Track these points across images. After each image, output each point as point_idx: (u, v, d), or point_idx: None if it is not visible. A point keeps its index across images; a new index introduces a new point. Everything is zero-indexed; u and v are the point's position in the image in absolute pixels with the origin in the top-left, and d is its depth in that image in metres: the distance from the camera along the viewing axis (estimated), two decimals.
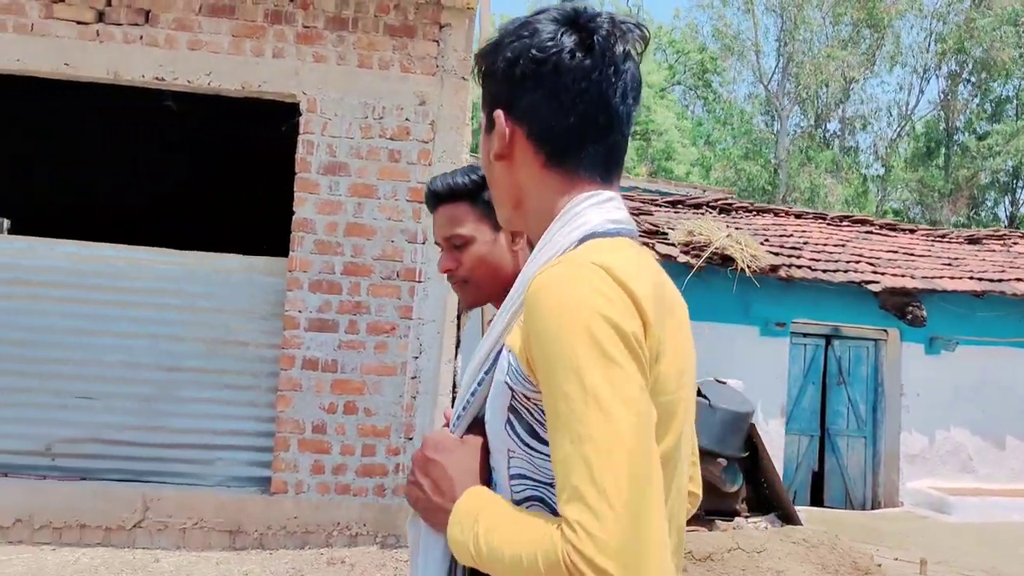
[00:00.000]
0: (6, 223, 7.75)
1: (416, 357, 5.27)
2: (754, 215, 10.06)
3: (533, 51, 1.06)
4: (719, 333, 8.10)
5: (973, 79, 28.13)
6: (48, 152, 8.66)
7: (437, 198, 1.70)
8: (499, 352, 1.06)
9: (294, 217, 5.26)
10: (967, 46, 26.97)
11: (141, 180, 9.08)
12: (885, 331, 8.62)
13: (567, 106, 1.06)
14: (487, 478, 1.08)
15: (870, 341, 8.71)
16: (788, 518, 5.68)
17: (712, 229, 7.89)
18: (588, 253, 0.99)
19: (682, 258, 7.71)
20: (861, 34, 28.45)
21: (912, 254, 9.21)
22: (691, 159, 28.27)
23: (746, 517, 5.65)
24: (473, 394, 1.10)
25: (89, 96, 5.92)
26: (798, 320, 8.36)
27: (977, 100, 28.43)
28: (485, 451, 1.09)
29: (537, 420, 0.98)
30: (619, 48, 1.07)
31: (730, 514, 5.64)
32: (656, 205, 9.76)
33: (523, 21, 1.10)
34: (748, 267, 7.65)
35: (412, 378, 5.26)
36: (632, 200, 9.52)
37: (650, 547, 0.84)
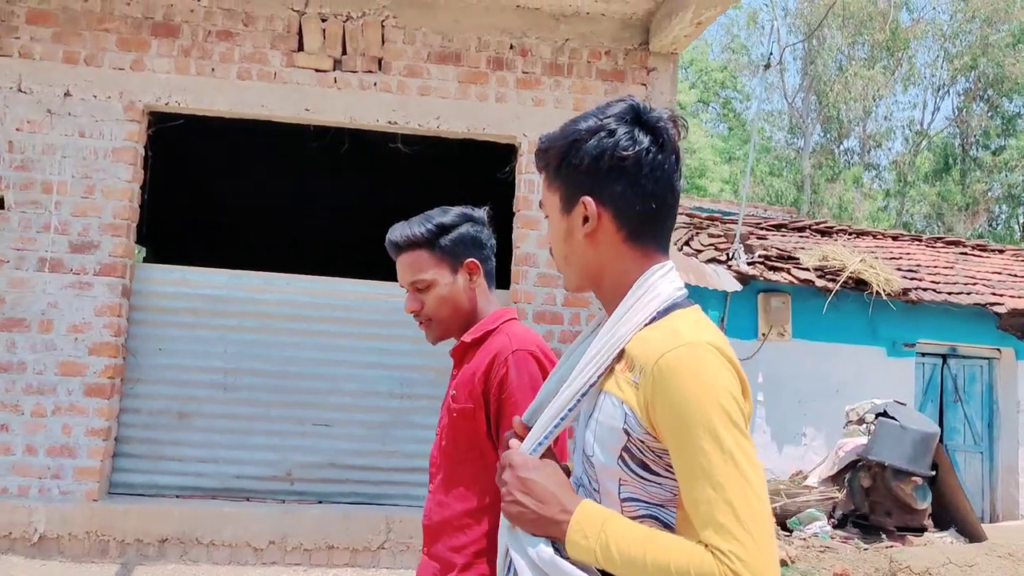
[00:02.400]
0: (141, 251, 8.03)
1: None
2: (854, 237, 10.40)
3: (619, 150, 1.30)
4: (847, 354, 8.42)
5: (986, 96, 28.70)
6: (278, 191, 9.00)
7: (397, 248, 1.91)
8: (584, 395, 1.31)
9: (517, 252, 5.56)
10: (980, 63, 27.54)
11: (364, 216, 9.30)
12: (999, 350, 8.95)
13: (648, 192, 1.31)
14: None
15: (984, 360, 9.04)
16: (971, 533, 5.97)
17: (844, 254, 8.21)
18: (691, 331, 1.24)
19: (819, 282, 8.03)
20: (877, 55, 29.01)
21: (1016, 275, 9.56)
22: (723, 176, 28.69)
23: (932, 533, 5.94)
24: (556, 426, 1.33)
25: (306, 139, 6.22)
26: (919, 341, 8.68)
27: (990, 115, 28.99)
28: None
29: (650, 459, 1.23)
30: (677, 141, 1.34)
31: (920, 530, 5.93)
32: (761, 229, 10.08)
33: (597, 123, 1.33)
34: (882, 290, 7.97)
35: None
36: (730, 222, 9.82)
37: (776, 568, 1.14)
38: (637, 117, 1.33)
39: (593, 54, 5.69)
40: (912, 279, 8.64)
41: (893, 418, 5.98)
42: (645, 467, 1.24)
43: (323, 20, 5.46)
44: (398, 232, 1.90)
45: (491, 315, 1.92)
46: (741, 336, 8.23)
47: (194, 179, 8.20)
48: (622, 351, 1.29)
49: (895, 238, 10.68)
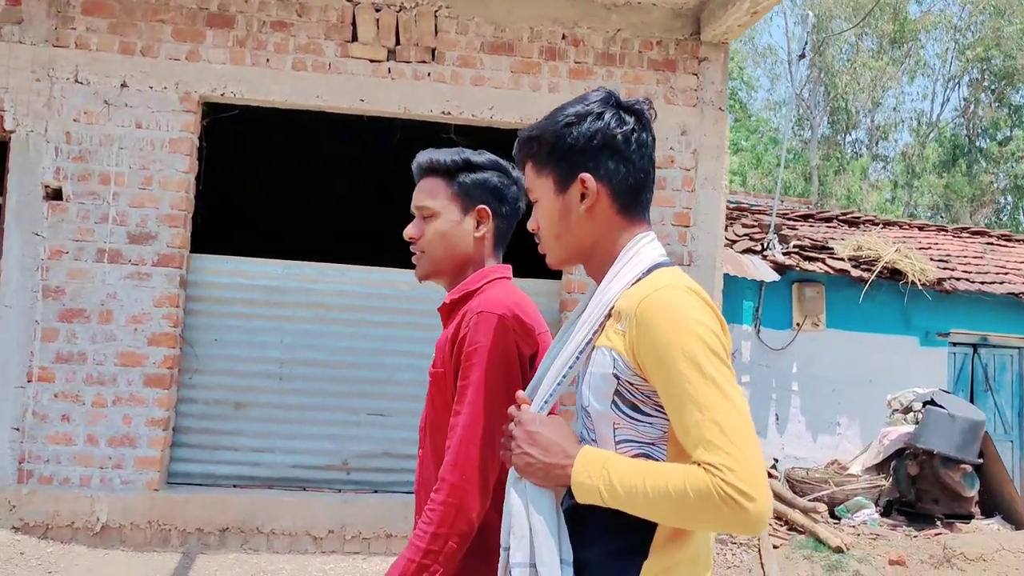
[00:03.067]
0: None
1: None
2: (881, 227, 10.42)
3: (609, 129, 1.46)
4: (880, 344, 8.45)
5: (994, 87, 28.69)
6: (326, 183, 9.01)
7: (420, 170, 1.87)
8: (582, 352, 1.42)
9: None
10: (992, 54, 27.50)
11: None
12: None
13: (637, 167, 1.48)
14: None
15: (1015, 349, 9.07)
16: (1018, 520, 6.01)
17: (879, 244, 8.23)
18: (670, 278, 1.38)
19: (855, 272, 8.05)
20: (885, 47, 28.97)
21: None
22: (732, 168, 28.69)
23: (979, 520, 5.99)
24: (559, 384, 1.45)
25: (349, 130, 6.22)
26: (951, 331, 8.71)
27: (997, 106, 28.98)
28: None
29: (639, 400, 1.35)
30: (652, 122, 1.52)
31: (967, 517, 5.97)
32: (789, 219, 10.09)
33: (584, 108, 1.48)
34: (917, 280, 8.00)
35: None
36: (759, 212, 9.82)
37: (765, 476, 1.23)
38: (617, 102, 1.50)
39: (645, 44, 5.69)
40: (944, 269, 8.66)
41: (941, 406, 6.01)
42: (635, 408, 1.35)
43: (376, 10, 5.46)
44: (425, 156, 1.88)
45: (477, 274, 1.83)
46: (775, 326, 8.26)
47: (246, 170, 8.20)
48: (611, 309, 1.41)
49: (921, 228, 10.70)
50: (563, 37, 5.63)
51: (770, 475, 6.79)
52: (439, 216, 1.82)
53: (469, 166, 1.85)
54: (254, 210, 8.77)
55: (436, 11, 5.52)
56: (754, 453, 1.22)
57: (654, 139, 1.52)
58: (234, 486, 5.37)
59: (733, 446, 1.21)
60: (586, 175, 1.47)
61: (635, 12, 5.68)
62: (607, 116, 1.46)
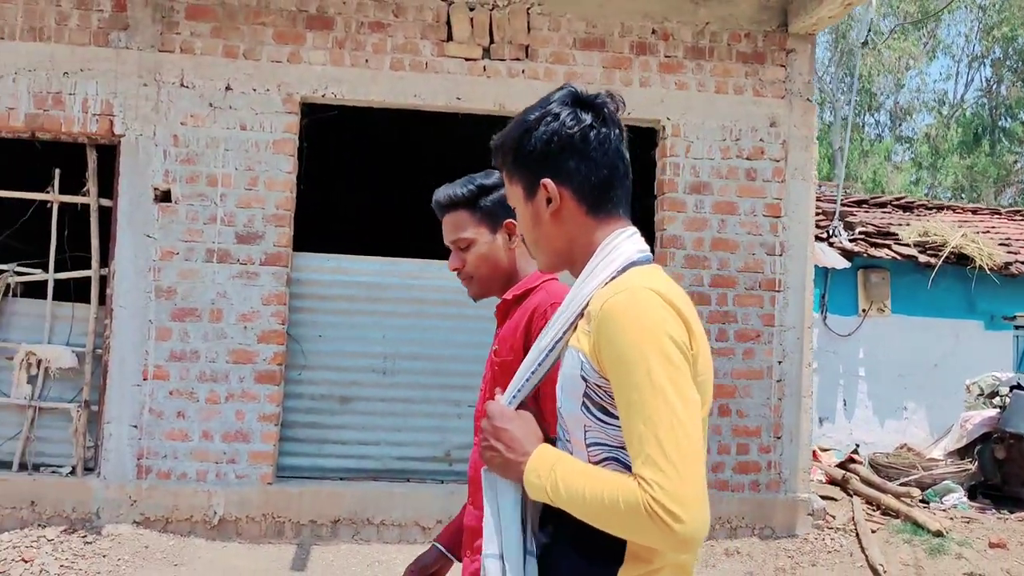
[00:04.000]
0: None
1: (780, 362, 5.67)
2: (935, 212, 10.44)
3: (564, 129, 1.41)
4: (946, 328, 8.50)
5: (1018, 66, 28.44)
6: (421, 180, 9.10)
7: (441, 207, 1.98)
8: (551, 350, 1.42)
9: (663, 234, 5.65)
10: (1017, 33, 27.25)
11: None
12: None
13: (598, 164, 1.42)
14: (545, 441, 1.41)
15: None
16: None
17: (944, 229, 8.27)
18: (638, 279, 1.33)
19: (922, 258, 8.10)
20: (906, 28, 28.74)
21: None
22: None
23: None
24: (527, 380, 1.45)
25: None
26: (1017, 314, 8.75)
27: (1021, 86, 28.72)
28: (537, 422, 1.44)
29: (608, 403, 1.31)
30: (618, 114, 1.45)
31: None
32: (843, 205, 10.12)
33: (542, 110, 1.44)
34: (985, 265, 8.04)
35: (778, 381, 5.66)
36: (820, 200, 9.85)
37: (702, 496, 1.21)
38: (577, 99, 1.44)
39: (733, 37, 5.75)
40: (1008, 252, 8.69)
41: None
42: (604, 411, 1.32)
43: (471, 9, 5.54)
44: (442, 193, 1.98)
45: (533, 274, 1.94)
46: (842, 312, 8.32)
47: (343, 168, 8.32)
48: (584, 309, 1.38)
49: (975, 212, 10.71)
50: (653, 32, 5.69)
51: (854, 460, 6.88)
52: (475, 243, 1.94)
53: (485, 190, 1.96)
54: (352, 208, 8.87)
55: (528, 8, 5.58)
56: (691, 471, 1.20)
57: (621, 131, 1.45)
58: (340, 479, 5.50)
59: (669, 463, 1.19)
60: (547, 180, 1.43)
61: (723, 5, 5.73)
62: (563, 116, 1.42)
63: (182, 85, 5.30)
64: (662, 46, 5.69)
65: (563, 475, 1.30)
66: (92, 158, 5.43)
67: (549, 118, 1.43)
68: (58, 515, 5.09)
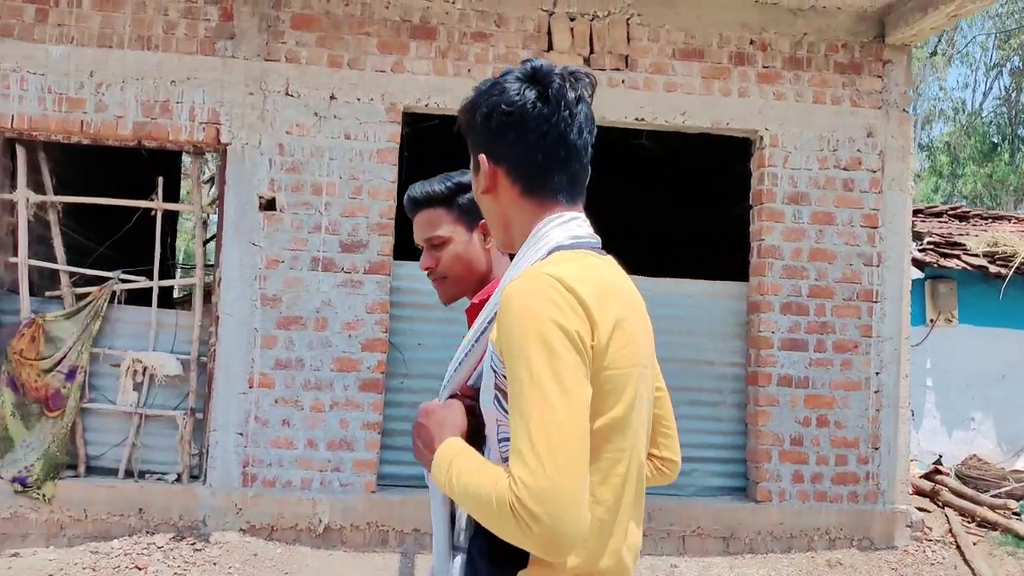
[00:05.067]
0: None
1: (878, 373, 5.65)
2: (991, 222, 10.42)
3: (503, 105, 1.35)
4: (1013, 338, 8.47)
5: None
6: None
7: (416, 203, 1.91)
8: (477, 341, 1.38)
9: (761, 244, 5.65)
10: None
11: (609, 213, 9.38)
12: None
13: (534, 146, 1.35)
14: (470, 435, 1.36)
15: None
16: None
17: (1013, 239, 8.26)
18: (546, 265, 1.27)
19: (992, 268, 8.08)
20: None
21: None
22: None
23: None
24: (455, 371, 1.42)
25: None
26: None
27: None
28: (470, 413, 1.38)
29: None
30: (571, 94, 1.35)
31: None
32: None
33: (494, 82, 1.39)
34: None
35: (875, 392, 5.64)
36: None
37: (568, 496, 1.12)
38: (531, 75, 1.36)
39: (830, 47, 5.75)
40: None
41: None
42: None
43: (571, 19, 5.56)
44: (418, 189, 1.91)
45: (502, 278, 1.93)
46: (910, 323, 8.30)
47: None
48: None
49: None
50: (751, 42, 5.70)
51: (939, 471, 6.85)
52: (451, 241, 1.86)
53: (462, 188, 1.88)
54: None
55: (628, 19, 5.60)
56: (561, 470, 1.12)
57: (571, 113, 1.35)
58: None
59: (536, 458, 1.12)
60: (482, 156, 1.38)
61: (820, 16, 5.74)
62: (508, 91, 1.35)
63: (287, 94, 5.32)
64: (760, 56, 5.70)
65: (458, 470, 1.24)
66: (195, 167, 5.45)
67: (495, 92, 1.37)
68: (165, 522, 5.09)
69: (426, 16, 5.46)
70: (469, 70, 5.46)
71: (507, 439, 1.25)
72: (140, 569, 4.75)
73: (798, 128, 5.67)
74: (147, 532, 5.07)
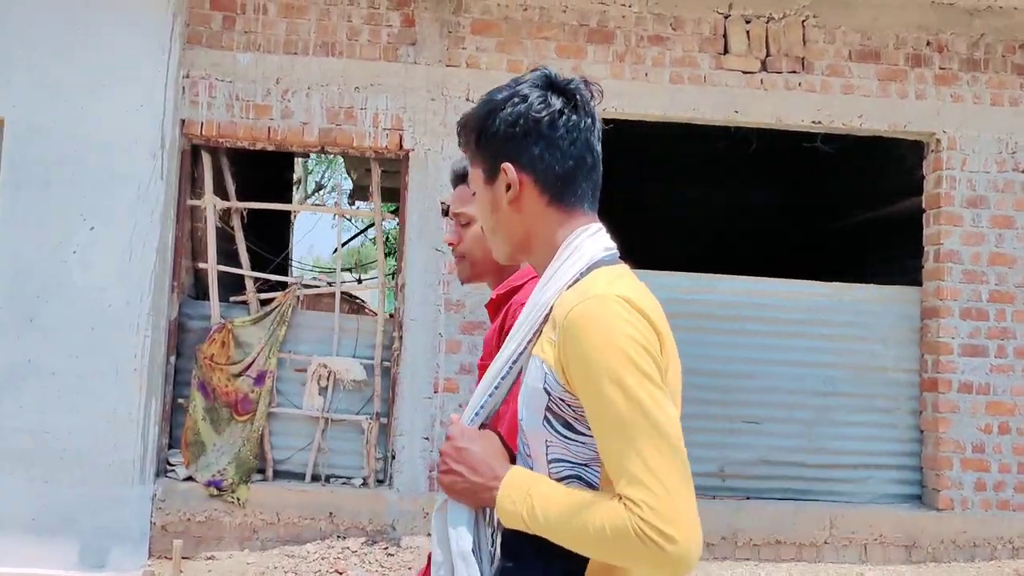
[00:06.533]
0: None
1: None
2: None
3: (532, 112, 1.31)
4: None
5: None
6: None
7: (456, 177, 1.88)
8: (515, 361, 1.32)
9: (939, 248, 5.56)
10: None
11: (773, 215, 9.37)
12: None
13: (565, 153, 1.32)
14: (512, 461, 1.33)
15: None
16: None
17: None
18: (605, 285, 1.23)
19: None
20: None
21: None
22: None
23: None
24: (490, 395, 1.34)
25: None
26: None
27: None
28: (502, 441, 1.34)
29: (572, 417, 1.23)
30: (592, 102, 1.35)
31: None
32: None
33: (511, 91, 1.34)
34: None
35: None
36: None
37: (692, 513, 1.12)
38: (549, 83, 1.34)
39: (1007, 48, 5.66)
40: None
41: None
42: (568, 426, 1.24)
43: (747, 22, 5.51)
44: (460, 163, 1.87)
45: (522, 271, 1.83)
46: None
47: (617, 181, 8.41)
48: (548, 314, 1.29)
49: None
50: (927, 43, 5.62)
51: None
52: (476, 221, 1.83)
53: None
54: (626, 221, 8.99)
55: (803, 21, 5.55)
56: (679, 488, 1.12)
57: (593, 121, 1.35)
58: None
59: (656, 480, 1.11)
60: (507, 164, 1.34)
61: (997, 17, 5.64)
62: (532, 98, 1.32)
63: (467, 100, 5.32)
64: (936, 58, 5.61)
65: (540, 501, 1.21)
66: (376, 172, 5.48)
67: (517, 99, 1.33)
68: (355, 527, 5.12)
69: (603, 19, 5.45)
70: (646, 74, 5.44)
71: (561, 460, 1.25)
72: (340, 573, 4.78)
73: (975, 131, 5.58)
74: (338, 536, 5.10)
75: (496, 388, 1.35)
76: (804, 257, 8.89)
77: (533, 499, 1.21)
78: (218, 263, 5.31)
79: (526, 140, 1.32)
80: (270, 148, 5.35)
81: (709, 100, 5.46)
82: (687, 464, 1.17)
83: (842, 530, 5.37)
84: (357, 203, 11.49)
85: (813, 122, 5.52)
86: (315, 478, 5.26)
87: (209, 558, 5.00)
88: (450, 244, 1.90)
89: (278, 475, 5.29)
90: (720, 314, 5.57)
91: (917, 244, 5.81)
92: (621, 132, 6.03)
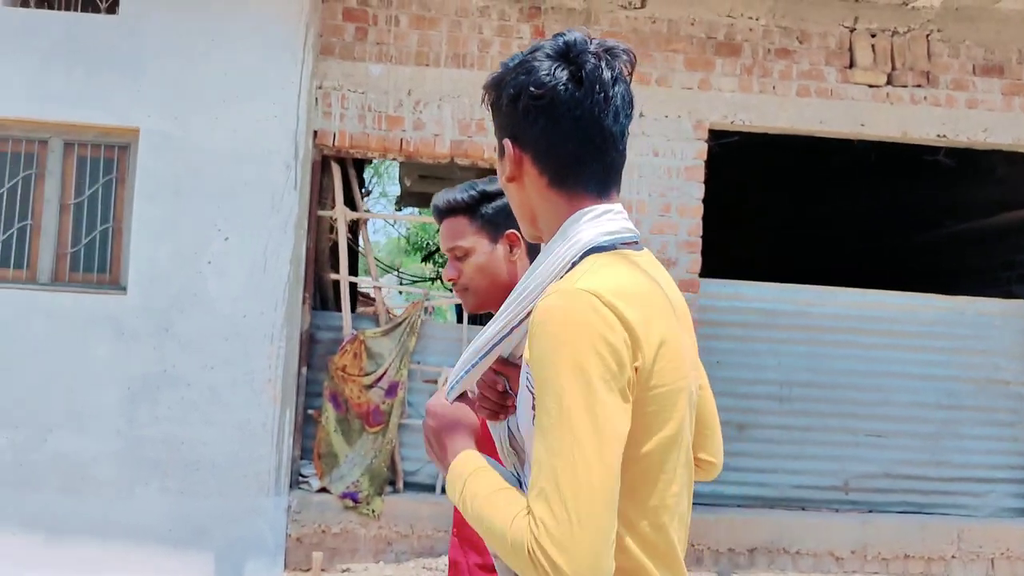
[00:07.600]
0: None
1: None
2: None
3: (532, 88, 1.19)
4: None
5: None
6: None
7: (439, 212, 1.86)
8: (495, 344, 1.26)
9: None
10: None
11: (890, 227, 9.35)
12: None
13: (566, 133, 1.20)
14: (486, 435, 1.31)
15: None
16: None
17: None
18: (581, 277, 1.14)
19: None
20: None
21: None
22: None
23: None
24: (466, 372, 1.29)
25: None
26: None
27: None
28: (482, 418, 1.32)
29: None
30: (607, 75, 1.20)
31: None
32: None
33: (522, 59, 1.23)
34: None
35: None
36: None
37: (594, 544, 1.03)
38: (564, 52, 1.22)
39: None
40: None
41: None
42: None
43: (872, 36, 5.52)
44: (442, 198, 1.86)
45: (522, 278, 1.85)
46: None
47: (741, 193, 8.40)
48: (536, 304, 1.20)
49: None
50: None
51: None
52: (473, 252, 1.81)
53: (486, 197, 1.82)
54: (743, 233, 8.98)
55: (928, 35, 5.55)
56: (585, 519, 1.02)
57: (606, 96, 1.20)
58: (738, 506, 5.47)
59: (560, 502, 1.03)
60: (507, 141, 1.25)
61: None
62: (538, 70, 1.20)
63: None
64: None
65: (470, 492, 1.17)
66: None
67: (523, 71, 1.22)
68: None
69: (730, 33, 5.45)
70: (774, 87, 5.44)
71: None
72: None
73: None
74: None
75: (472, 366, 1.29)
76: (890, 268, 8.90)
77: (465, 488, 1.18)
78: (373, 275, 5.35)
79: (527, 117, 1.22)
80: (400, 159, 5.34)
81: (835, 113, 5.46)
82: (606, 493, 1.05)
83: (969, 544, 5.36)
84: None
85: (938, 136, 5.53)
86: (444, 490, 5.24)
87: (344, 570, 4.99)
88: (451, 281, 1.86)
89: (408, 487, 5.28)
90: (840, 326, 5.57)
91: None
92: (750, 144, 6.07)
